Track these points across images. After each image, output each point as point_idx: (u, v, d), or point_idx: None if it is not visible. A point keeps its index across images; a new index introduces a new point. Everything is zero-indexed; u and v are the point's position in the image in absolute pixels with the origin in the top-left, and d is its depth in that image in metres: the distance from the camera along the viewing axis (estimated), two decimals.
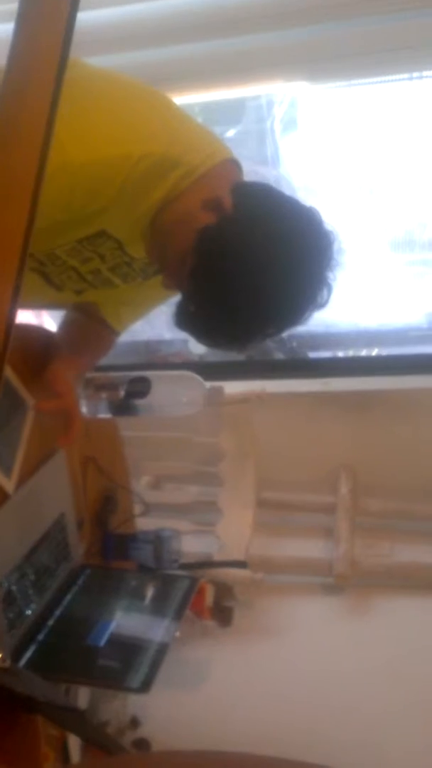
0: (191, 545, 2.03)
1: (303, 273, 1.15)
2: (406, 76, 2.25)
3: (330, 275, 1.16)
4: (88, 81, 1.17)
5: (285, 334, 1.28)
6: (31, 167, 0.65)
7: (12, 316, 0.69)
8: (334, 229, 1.17)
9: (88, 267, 1.28)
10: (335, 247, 1.17)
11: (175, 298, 1.30)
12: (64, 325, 1.51)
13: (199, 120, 1.29)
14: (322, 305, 1.18)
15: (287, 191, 1.22)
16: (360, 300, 2.55)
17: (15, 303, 0.67)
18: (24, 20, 0.68)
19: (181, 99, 1.90)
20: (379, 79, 2.28)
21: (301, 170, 2.58)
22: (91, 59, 1.19)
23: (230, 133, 2.57)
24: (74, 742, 1.35)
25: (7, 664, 1.07)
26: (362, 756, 1.62)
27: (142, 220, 1.19)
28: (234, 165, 1.23)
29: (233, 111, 2.58)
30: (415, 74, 2.26)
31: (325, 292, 1.17)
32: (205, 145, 1.19)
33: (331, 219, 1.18)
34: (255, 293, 1.12)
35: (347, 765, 1.59)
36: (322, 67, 2.13)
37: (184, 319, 1.20)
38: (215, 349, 1.35)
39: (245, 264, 1.12)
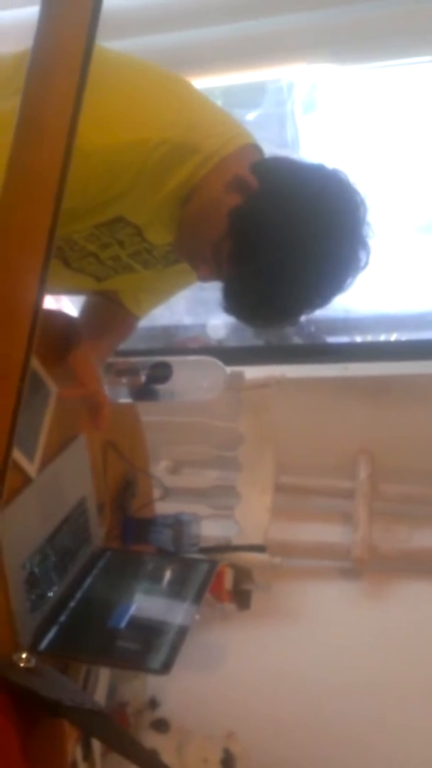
0: (210, 529, 2.04)
1: (341, 232, 1.12)
2: (429, 58, 2.22)
3: (367, 232, 1.14)
4: (106, 65, 1.14)
5: (304, 319, 1.26)
6: (56, 155, 0.65)
7: (39, 303, 0.69)
8: (360, 187, 1.15)
9: (107, 253, 1.27)
10: (366, 203, 1.14)
11: (196, 284, 1.29)
12: (85, 310, 1.51)
13: (219, 103, 1.27)
14: (364, 266, 1.15)
15: None
16: (379, 285, 2.53)
17: (42, 291, 0.68)
18: (48, 7, 0.68)
19: (202, 82, 1.89)
20: (401, 61, 2.25)
21: (322, 153, 2.56)
22: (109, 43, 1.18)
23: (250, 116, 2.55)
24: None
25: (32, 663, 1.03)
26: (379, 738, 1.63)
27: (162, 208, 1.18)
28: (255, 150, 1.21)
29: (254, 94, 2.57)
30: None
31: (363, 253, 1.14)
32: (225, 130, 1.18)
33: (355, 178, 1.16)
34: (299, 261, 1.10)
35: (364, 748, 1.61)
36: (346, 48, 2.11)
37: (233, 305, 1.17)
38: (266, 328, 1.27)
39: (284, 234, 1.10)
